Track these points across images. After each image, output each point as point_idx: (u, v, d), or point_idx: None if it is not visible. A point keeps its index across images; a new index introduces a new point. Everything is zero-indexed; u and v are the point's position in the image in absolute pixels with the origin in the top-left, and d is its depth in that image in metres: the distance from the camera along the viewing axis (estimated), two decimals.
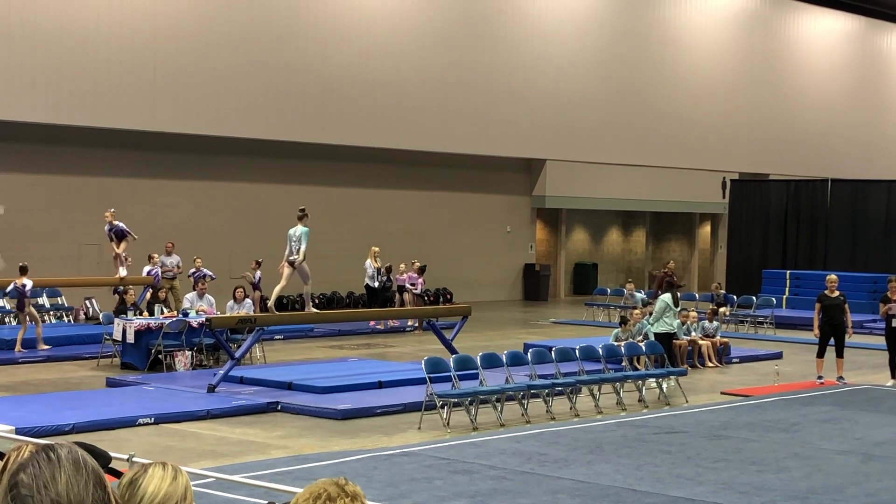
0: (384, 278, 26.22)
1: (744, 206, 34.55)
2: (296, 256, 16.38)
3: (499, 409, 14.40)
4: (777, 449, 12.47)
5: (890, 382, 18.11)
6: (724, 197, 36.90)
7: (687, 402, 16.25)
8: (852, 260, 31.71)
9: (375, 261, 25.71)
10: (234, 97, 26.96)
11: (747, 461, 11.78)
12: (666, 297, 18.44)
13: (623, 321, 19.75)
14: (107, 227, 22.19)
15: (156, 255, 23.39)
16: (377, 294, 25.84)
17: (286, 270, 16.74)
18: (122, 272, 22.15)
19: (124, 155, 26.52)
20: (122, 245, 22.19)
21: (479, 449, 12.20)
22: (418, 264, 26.56)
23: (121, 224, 22.19)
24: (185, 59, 26.13)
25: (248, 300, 20.43)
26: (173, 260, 24.50)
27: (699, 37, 38.49)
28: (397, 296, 26.12)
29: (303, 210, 16.54)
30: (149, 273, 22.87)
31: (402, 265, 26.61)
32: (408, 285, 26.15)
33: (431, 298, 30.44)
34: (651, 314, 18.88)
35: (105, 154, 26.22)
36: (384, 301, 25.76)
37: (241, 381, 16.34)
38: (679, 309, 18.84)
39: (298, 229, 16.31)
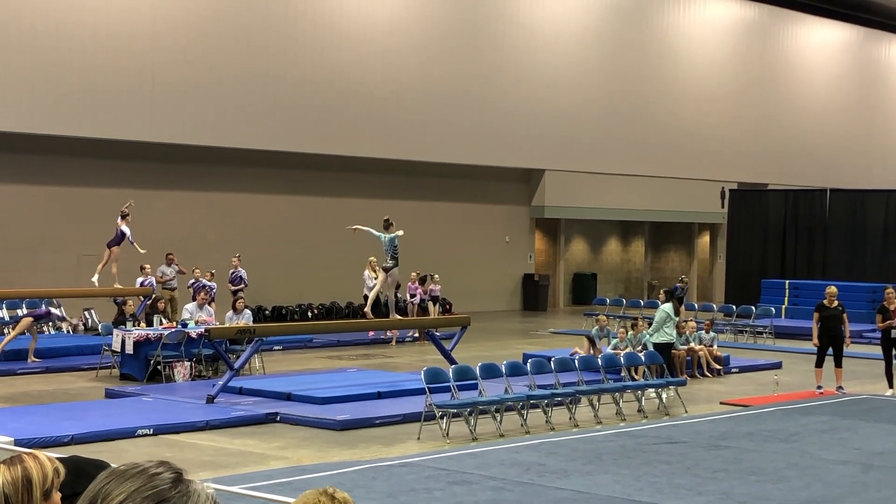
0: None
1: (742, 215, 34.55)
2: (388, 263, 17.53)
3: (498, 419, 14.39)
4: (776, 459, 12.46)
5: (889, 392, 18.11)
6: (722, 207, 36.92)
7: (686, 412, 16.25)
8: (851, 270, 31.71)
9: (374, 272, 25.71)
10: (232, 108, 26.98)
11: (746, 471, 11.77)
12: (667, 307, 18.44)
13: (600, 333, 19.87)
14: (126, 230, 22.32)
15: (148, 266, 23.38)
16: (377, 305, 25.81)
17: (380, 276, 18.09)
18: (95, 280, 22.36)
19: (122, 165, 26.53)
20: (116, 251, 22.30)
21: (478, 459, 12.19)
22: (415, 275, 26.59)
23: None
24: (184, 70, 26.15)
25: (248, 311, 20.42)
26: (173, 270, 24.50)
27: (697, 47, 38.55)
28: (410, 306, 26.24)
29: (387, 219, 17.40)
30: (142, 284, 22.87)
31: (414, 273, 26.72)
32: (408, 296, 26.19)
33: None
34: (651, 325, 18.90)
35: (103, 165, 26.22)
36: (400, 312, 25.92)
37: (240, 391, 16.33)
38: (677, 318, 18.82)
39: (384, 237, 17.26)
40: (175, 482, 2.07)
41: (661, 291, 19.67)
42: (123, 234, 22.37)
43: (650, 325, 18.99)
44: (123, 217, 22.51)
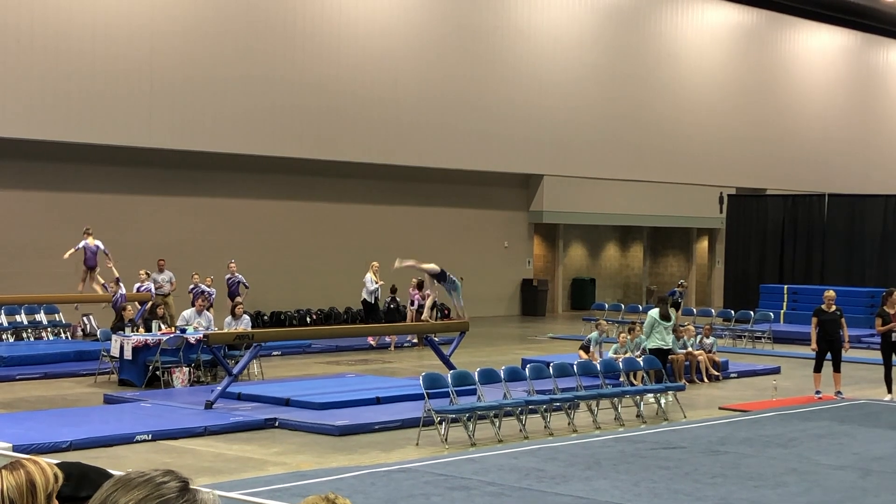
0: (388, 298, 26.33)
1: (741, 221, 34.58)
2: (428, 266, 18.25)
3: (496, 424, 14.39)
4: (775, 464, 12.46)
5: (887, 397, 18.12)
6: (721, 212, 36.95)
7: (685, 417, 16.25)
8: (849, 275, 31.73)
9: (376, 276, 25.71)
10: (230, 113, 26.99)
11: (745, 476, 11.77)
12: (653, 311, 18.41)
13: (585, 346, 19.66)
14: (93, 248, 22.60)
15: (143, 272, 23.38)
16: (375, 310, 25.84)
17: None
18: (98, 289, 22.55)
19: (120, 171, 26.52)
20: (96, 271, 22.64)
21: (476, 465, 12.18)
22: (415, 281, 26.56)
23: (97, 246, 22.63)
24: (182, 75, 26.15)
25: (246, 316, 20.41)
26: (165, 276, 24.49)
27: (696, 52, 38.59)
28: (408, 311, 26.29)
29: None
30: (139, 289, 22.89)
31: (414, 279, 26.68)
32: (408, 303, 26.24)
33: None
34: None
35: (101, 170, 26.22)
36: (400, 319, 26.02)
37: (239, 397, 16.33)
38: (670, 323, 18.53)
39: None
40: (182, 491, 2.07)
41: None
42: (96, 249, 22.62)
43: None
44: (87, 234, 22.74)
